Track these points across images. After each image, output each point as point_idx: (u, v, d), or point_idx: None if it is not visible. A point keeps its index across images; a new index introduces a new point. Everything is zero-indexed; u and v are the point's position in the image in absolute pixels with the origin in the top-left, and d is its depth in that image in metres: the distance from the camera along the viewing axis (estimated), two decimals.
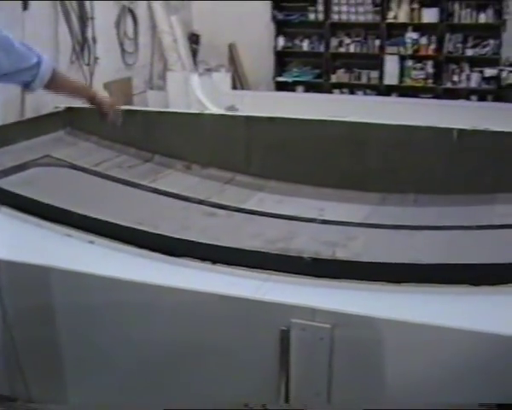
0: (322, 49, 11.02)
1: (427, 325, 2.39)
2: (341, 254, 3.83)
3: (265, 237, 4.01)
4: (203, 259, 3.16)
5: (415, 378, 2.37)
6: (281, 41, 11.28)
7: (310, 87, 11.08)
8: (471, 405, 2.29)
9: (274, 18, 11.15)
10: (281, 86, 11.22)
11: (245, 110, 5.73)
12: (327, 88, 10.90)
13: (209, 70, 10.05)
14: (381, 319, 2.44)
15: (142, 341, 2.98)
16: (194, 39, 10.92)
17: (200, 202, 4.67)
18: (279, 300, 2.66)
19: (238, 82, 10.95)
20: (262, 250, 3.51)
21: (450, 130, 4.88)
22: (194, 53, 10.74)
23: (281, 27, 11.28)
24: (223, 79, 9.96)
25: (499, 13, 9.71)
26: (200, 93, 9.12)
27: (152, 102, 9.38)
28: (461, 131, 4.86)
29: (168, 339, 2.92)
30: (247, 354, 2.71)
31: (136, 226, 3.54)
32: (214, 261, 3.14)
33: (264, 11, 11.02)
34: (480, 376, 2.31)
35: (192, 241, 3.37)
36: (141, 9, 9.97)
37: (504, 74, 9.37)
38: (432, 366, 2.35)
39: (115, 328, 3.05)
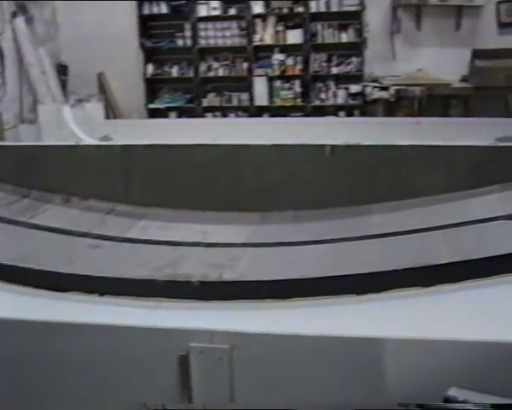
0: (191, 74, 11.11)
1: (320, 337, 2.47)
2: (228, 276, 3.88)
3: (152, 265, 4.01)
4: (90, 292, 3.13)
5: (313, 388, 2.44)
6: (150, 68, 11.29)
7: (182, 112, 11.14)
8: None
9: (142, 45, 11.16)
10: (153, 113, 11.23)
11: (120, 139, 5.70)
12: (199, 112, 10.99)
13: (80, 101, 9.93)
14: (276, 335, 2.51)
15: (34, 380, 2.93)
16: (62, 70, 10.79)
17: (84, 235, 4.62)
18: (175, 325, 2.68)
19: (110, 111, 10.88)
20: (150, 278, 3.52)
21: (322, 146, 5.04)
22: (63, 84, 10.60)
23: (149, 54, 11.30)
24: (95, 108, 9.86)
25: (360, 32, 10.12)
26: (74, 124, 9.00)
27: (24, 137, 9.19)
28: (333, 146, 5.03)
29: (63, 374, 2.88)
30: (148, 383, 2.71)
31: (18, 264, 3.47)
32: (102, 293, 3.11)
33: (132, 39, 11.01)
34: (372, 380, 2.41)
35: (78, 274, 3.34)
36: (6, 42, 9.75)
37: (368, 90, 9.74)
38: (326, 375, 2.43)
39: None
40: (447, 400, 2.08)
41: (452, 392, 2.12)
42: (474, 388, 2.16)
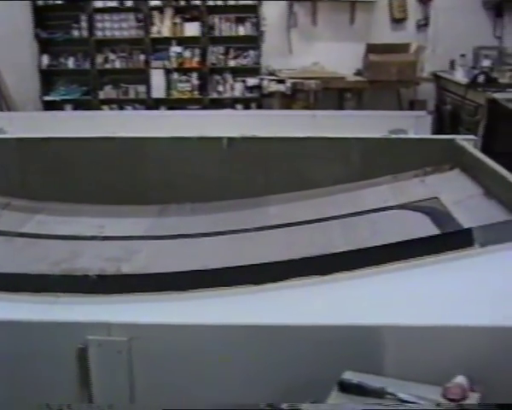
0: (88, 66, 10.94)
1: (218, 326, 2.50)
2: (126, 269, 3.88)
3: (49, 260, 3.97)
4: None
5: (213, 377, 2.47)
6: (45, 59, 11.05)
7: (78, 105, 10.96)
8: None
9: (37, 36, 10.90)
10: (49, 105, 11.00)
11: (14, 132, 5.56)
12: (95, 105, 10.84)
13: None
14: (175, 325, 2.53)
15: None
16: None
17: None
18: (73, 319, 2.66)
19: (4, 103, 10.60)
20: (47, 273, 3.48)
21: (219, 139, 5.08)
22: None
23: (44, 46, 11.05)
24: None
25: (257, 25, 10.21)
26: None
27: None
28: (230, 139, 5.08)
29: None
30: (51, 376, 2.68)
31: None
32: None
33: (27, 30, 10.74)
34: (272, 367, 2.46)
35: None
36: None
37: (265, 83, 9.84)
38: (226, 364, 2.48)
39: None
40: (342, 383, 2.16)
41: (347, 375, 2.20)
42: (369, 371, 2.25)
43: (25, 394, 2.75)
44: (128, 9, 10.62)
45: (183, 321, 2.52)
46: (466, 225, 3.93)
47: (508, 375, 2.40)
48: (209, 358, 2.46)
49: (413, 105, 9.77)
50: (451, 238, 3.87)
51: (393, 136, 5.47)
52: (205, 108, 10.15)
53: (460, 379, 2.19)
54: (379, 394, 2.13)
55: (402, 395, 2.11)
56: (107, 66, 10.89)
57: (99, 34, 10.75)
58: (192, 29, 10.43)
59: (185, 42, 10.56)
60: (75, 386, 2.59)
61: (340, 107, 9.34)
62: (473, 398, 2.14)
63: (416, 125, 5.97)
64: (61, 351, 2.62)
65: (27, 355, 2.72)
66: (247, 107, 10.27)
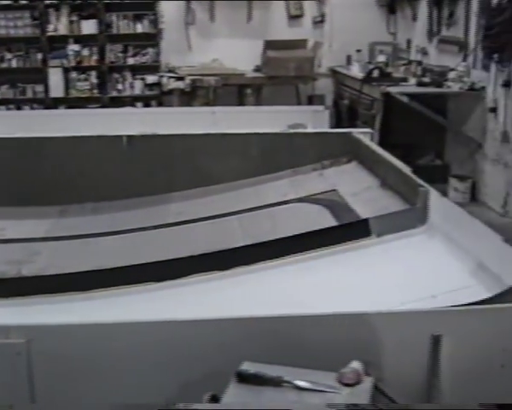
0: None
1: (117, 324, 2.51)
2: (27, 271, 3.83)
3: None
4: None
5: (114, 375, 2.48)
6: None
7: None
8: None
9: None
10: None
11: None
12: None
13: None
14: (73, 325, 2.52)
15: None
16: None
17: None
18: None
19: None
20: None
21: (119, 137, 5.06)
22: None
23: None
24: None
25: (155, 22, 10.16)
26: None
27: None
28: (130, 137, 5.07)
29: None
30: None
31: None
32: None
33: None
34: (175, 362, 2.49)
35: None
36: None
37: (165, 80, 9.81)
38: (127, 361, 2.49)
39: None
40: (240, 374, 2.21)
41: (245, 366, 2.24)
42: (267, 361, 2.30)
43: None
44: (23, 7, 10.39)
45: (82, 321, 2.51)
46: (363, 216, 4.05)
47: (399, 358, 2.51)
48: (108, 356, 2.46)
49: (311, 100, 9.92)
50: (349, 229, 3.99)
51: (292, 130, 5.57)
52: (104, 106, 10.04)
53: (355, 364, 2.27)
54: (276, 382, 2.18)
55: (298, 383, 2.18)
56: (3, 65, 10.64)
57: None
58: (89, 27, 10.28)
59: (83, 40, 10.41)
60: None
61: (240, 103, 9.40)
62: (367, 382, 2.22)
63: (314, 120, 6.08)
64: None
65: None
66: (147, 105, 10.21)
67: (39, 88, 10.58)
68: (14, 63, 10.56)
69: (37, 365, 2.45)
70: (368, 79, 8.39)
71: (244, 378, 2.22)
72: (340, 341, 2.44)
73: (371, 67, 8.72)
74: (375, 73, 8.40)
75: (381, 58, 9.44)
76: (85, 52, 10.36)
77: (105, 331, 2.47)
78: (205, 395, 2.16)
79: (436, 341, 2.52)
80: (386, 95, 7.79)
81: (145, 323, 2.45)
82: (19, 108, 10.46)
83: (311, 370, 2.25)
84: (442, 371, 2.55)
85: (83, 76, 10.45)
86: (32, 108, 10.38)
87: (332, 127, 6.79)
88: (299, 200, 4.68)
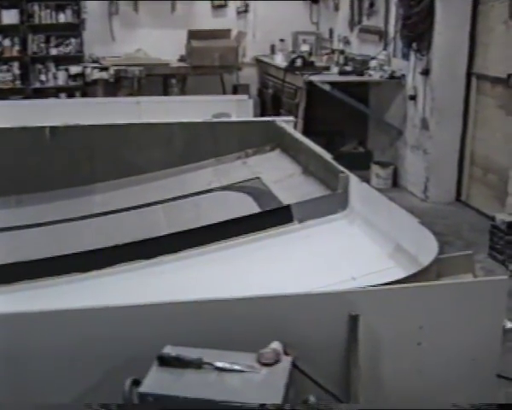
0: None
1: (41, 312, 2.51)
2: None
3: None
4: None
5: (42, 367, 2.48)
6: None
7: None
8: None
9: None
10: None
11: None
12: None
13: None
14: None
15: None
16: None
17: None
18: None
19: None
20: None
21: (42, 128, 5.03)
22: None
23: None
24: None
25: (78, 13, 10.05)
26: None
27: None
28: (53, 128, 5.04)
29: None
30: None
31: None
32: None
33: None
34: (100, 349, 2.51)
35: None
36: None
37: (88, 71, 9.72)
38: (50, 349, 2.49)
39: None
40: (161, 357, 2.25)
41: (167, 349, 2.29)
42: (190, 345, 2.35)
43: None
44: None
45: (7, 311, 2.51)
46: (286, 203, 4.13)
47: (318, 338, 2.58)
48: (31, 346, 2.46)
49: (236, 90, 9.99)
50: (272, 216, 4.06)
51: (215, 120, 5.61)
52: (28, 98, 9.90)
53: (275, 344, 2.34)
54: (197, 364, 2.23)
55: (219, 364, 2.23)
56: None
57: None
58: (11, 16, 10.10)
59: (4, 30, 10.23)
60: None
61: (165, 93, 9.40)
62: (285, 361, 2.29)
63: (238, 109, 6.14)
64: None
65: None
66: (70, 95, 10.11)
67: None
68: None
69: None
70: (291, 68, 8.49)
71: (165, 362, 2.26)
72: (260, 323, 2.50)
73: (294, 56, 8.81)
74: (298, 62, 8.49)
75: (305, 47, 9.54)
76: (7, 42, 10.18)
77: (28, 321, 2.47)
78: (126, 380, 2.20)
79: (354, 320, 2.60)
80: (309, 83, 7.89)
81: (68, 311, 2.47)
82: None
83: (231, 351, 2.31)
84: (360, 350, 2.63)
85: (5, 67, 10.26)
86: None
87: (257, 116, 6.87)
88: (223, 188, 4.74)
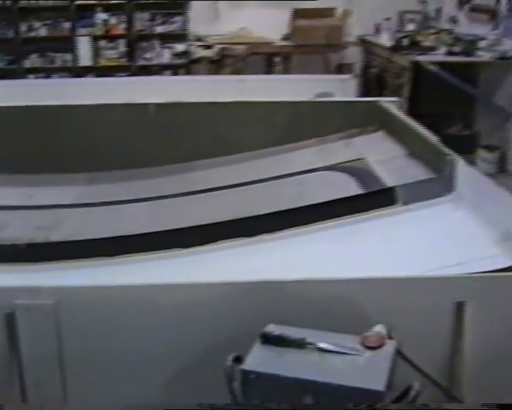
0: (11, 34, 10.71)
1: (146, 286, 2.54)
2: (55, 237, 3.87)
3: None
4: None
5: (141, 338, 2.51)
6: None
7: (4, 74, 10.73)
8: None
9: None
10: None
11: None
12: (21, 74, 10.64)
13: None
14: (102, 287, 2.56)
15: None
16: None
17: None
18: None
19: None
20: None
21: (146, 105, 5.08)
22: None
23: None
24: None
25: None
26: None
27: None
28: (157, 105, 5.08)
29: None
30: None
31: None
32: None
33: None
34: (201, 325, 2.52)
35: None
36: None
37: (193, 49, 9.80)
38: (152, 324, 2.52)
39: None
40: (264, 335, 2.23)
41: (269, 328, 2.27)
42: (291, 324, 2.33)
43: None
44: None
45: (110, 283, 2.55)
46: (390, 185, 4.05)
47: (423, 323, 2.52)
48: (136, 319, 2.50)
49: (340, 69, 9.87)
50: (375, 197, 3.99)
51: (319, 99, 5.55)
52: (133, 75, 10.06)
53: (378, 328, 2.29)
54: (299, 344, 2.21)
55: (322, 345, 2.20)
56: (32, 34, 10.69)
57: (23, 2, 10.53)
58: None
59: (111, 8, 10.42)
60: (4, 351, 2.60)
61: (268, 71, 9.38)
62: (389, 346, 2.24)
63: (341, 89, 6.05)
64: None
65: None
66: (175, 73, 10.21)
67: (68, 57, 10.61)
68: (42, 32, 10.60)
69: (66, 326, 2.50)
70: (397, 47, 8.32)
71: (268, 340, 2.25)
72: (365, 305, 2.46)
73: (400, 35, 8.64)
74: (405, 42, 8.32)
75: (411, 27, 9.35)
76: (113, 20, 10.37)
77: (132, 293, 2.50)
78: (229, 356, 2.20)
79: (460, 307, 2.52)
80: (415, 64, 7.72)
81: (171, 285, 2.49)
82: (48, 77, 10.52)
83: (334, 333, 2.27)
84: (465, 337, 2.56)
85: (111, 45, 10.46)
86: (61, 77, 10.43)
87: (360, 96, 6.77)
88: (326, 168, 4.68)
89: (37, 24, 10.55)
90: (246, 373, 2.15)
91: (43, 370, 2.59)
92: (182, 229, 3.64)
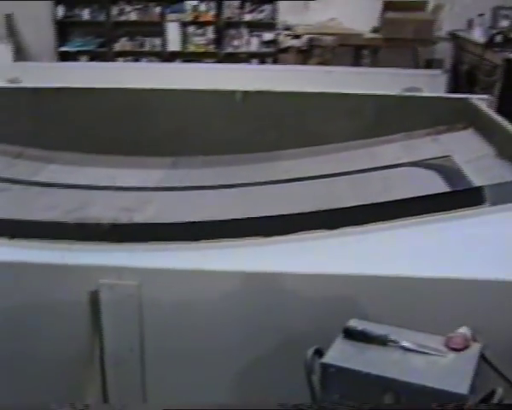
0: (103, 17, 10.91)
1: (223, 272, 2.54)
2: (138, 219, 3.92)
3: (62, 208, 4.00)
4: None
5: (220, 324, 2.52)
6: (60, 10, 11.02)
7: (94, 56, 10.95)
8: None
9: None
10: (64, 56, 11.00)
11: (29, 82, 5.58)
12: (111, 57, 10.83)
13: None
14: (185, 270, 2.57)
15: None
16: None
17: None
18: (85, 263, 2.70)
19: (19, 53, 10.59)
20: (60, 221, 3.51)
21: (233, 92, 5.08)
22: None
23: None
24: (3, 50, 9.57)
25: None
26: None
27: None
28: (244, 92, 5.08)
29: None
30: (60, 320, 2.72)
31: None
32: (12, 236, 3.06)
33: None
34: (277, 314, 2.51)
35: None
36: None
37: (281, 38, 9.80)
38: (232, 310, 2.52)
39: None
40: (347, 330, 2.20)
41: (352, 323, 2.24)
42: (373, 320, 2.29)
43: (40, 334, 2.81)
44: None
45: (194, 267, 2.56)
46: (477, 184, 3.94)
47: (504, 328, 2.44)
48: (217, 305, 2.50)
49: (430, 64, 9.71)
50: (462, 196, 3.89)
51: (406, 93, 5.45)
52: (220, 62, 10.12)
53: (463, 330, 2.23)
54: (382, 341, 2.17)
55: (404, 343, 2.16)
56: (123, 18, 10.86)
57: None
58: None
59: None
60: (87, 328, 2.64)
61: (356, 64, 9.31)
62: (474, 348, 2.18)
63: (430, 85, 5.94)
64: (74, 295, 2.67)
65: (42, 299, 2.77)
66: (262, 62, 10.24)
67: (157, 41, 10.75)
68: (133, 16, 10.76)
69: (148, 307, 2.52)
70: (490, 44, 8.14)
71: (350, 334, 2.22)
72: (449, 305, 2.40)
73: (494, 31, 8.44)
74: (498, 39, 8.13)
75: (505, 23, 9.12)
76: (203, 7, 10.45)
77: (216, 279, 2.51)
78: (310, 349, 2.18)
79: None
80: (509, 61, 7.53)
81: (255, 273, 2.48)
82: (137, 61, 10.69)
83: (417, 332, 2.23)
84: None
85: (200, 31, 10.55)
86: (150, 61, 10.58)
87: (450, 92, 6.63)
88: (412, 164, 4.59)
89: (128, 8, 10.72)
90: (326, 367, 2.12)
91: (123, 349, 2.62)
92: (264, 217, 3.61)
